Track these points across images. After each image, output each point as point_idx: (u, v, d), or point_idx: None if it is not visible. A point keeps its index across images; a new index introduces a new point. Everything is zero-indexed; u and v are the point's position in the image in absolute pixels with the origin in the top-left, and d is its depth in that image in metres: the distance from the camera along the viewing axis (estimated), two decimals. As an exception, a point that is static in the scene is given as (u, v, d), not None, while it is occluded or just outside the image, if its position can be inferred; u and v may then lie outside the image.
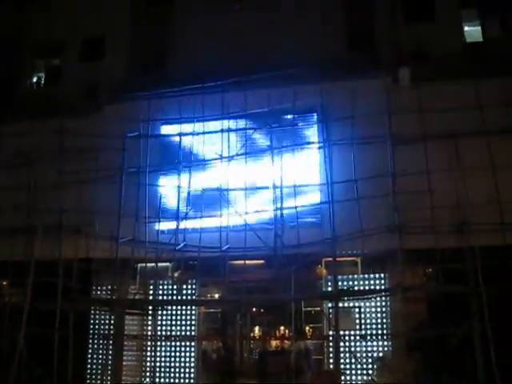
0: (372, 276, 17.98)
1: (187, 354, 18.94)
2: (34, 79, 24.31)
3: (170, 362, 18.90)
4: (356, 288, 17.61)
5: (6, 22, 24.52)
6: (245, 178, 17.88)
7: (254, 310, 20.99)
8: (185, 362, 18.85)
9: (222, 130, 18.32)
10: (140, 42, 23.00)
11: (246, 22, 21.14)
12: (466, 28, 20.24)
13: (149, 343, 19.30)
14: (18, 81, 23.98)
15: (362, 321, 17.74)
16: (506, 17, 20.46)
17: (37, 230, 16.11)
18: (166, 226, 18.47)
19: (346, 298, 17.05)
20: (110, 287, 17.98)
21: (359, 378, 17.38)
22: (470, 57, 18.42)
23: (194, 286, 19.12)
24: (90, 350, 19.34)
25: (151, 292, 18.37)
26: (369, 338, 17.63)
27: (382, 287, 17.77)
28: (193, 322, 19.26)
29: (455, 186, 14.92)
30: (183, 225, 17.79)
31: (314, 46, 20.16)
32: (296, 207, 17.18)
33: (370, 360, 17.32)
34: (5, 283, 19.44)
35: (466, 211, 14.83)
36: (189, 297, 19.09)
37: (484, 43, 19.94)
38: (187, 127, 18.75)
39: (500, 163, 14.40)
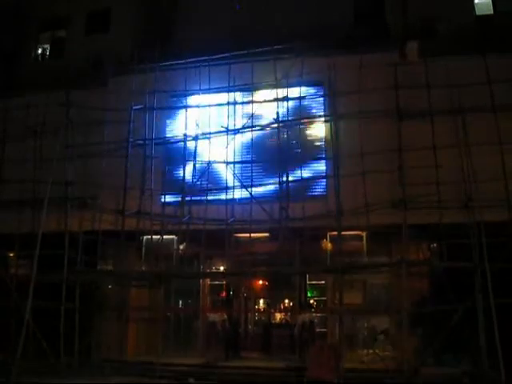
0: (376, 250, 17.97)
1: (192, 326, 19.08)
2: (39, 52, 24.17)
3: (176, 333, 19.06)
4: (360, 262, 17.59)
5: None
6: (251, 150, 17.85)
7: (260, 282, 21.07)
8: (190, 334, 18.99)
9: (228, 103, 18.25)
10: (145, 16, 22.84)
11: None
12: (476, 1, 19.89)
13: (154, 315, 19.42)
14: (23, 54, 23.88)
15: (366, 294, 17.78)
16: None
17: (43, 203, 16.13)
18: (171, 198, 18.54)
19: (350, 272, 17.05)
20: (115, 259, 18.07)
21: (362, 350, 17.51)
22: (480, 31, 18.15)
23: (199, 259, 19.16)
24: (96, 322, 19.50)
25: (157, 264, 18.45)
26: (372, 311, 17.69)
27: (387, 262, 17.75)
28: (198, 295, 19.35)
29: (461, 162, 14.87)
30: (189, 197, 17.77)
31: (322, 17, 19.93)
32: (302, 180, 17.20)
33: (372, 333, 17.41)
34: (11, 255, 19.57)
35: (472, 187, 14.80)
36: (194, 269, 19.14)
37: (494, 16, 19.60)
38: (193, 99, 18.69)
39: (507, 140, 14.31)
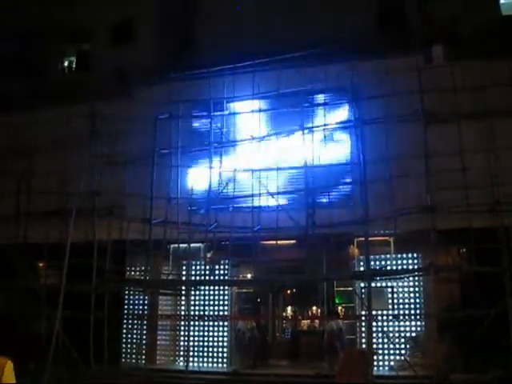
0: (405, 256, 17.85)
1: (220, 334, 19.12)
2: (66, 64, 24.52)
3: (203, 341, 19.11)
4: (388, 268, 17.47)
5: (37, 7, 24.67)
6: (276, 158, 17.83)
7: (289, 292, 21.01)
8: (218, 342, 19.04)
9: (252, 111, 18.25)
10: (168, 24, 23.03)
11: (274, 4, 20.97)
12: (501, 0, 19.71)
13: (182, 323, 19.51)
14: (49, 66, 24.23)
15: (395, 301, 17.67)
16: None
17: (71, 213, 16.30)
18: (197, 206, 18.56)
19: (378, 278, 16.94)
20: (143, 268, 18.17)
21: (392, 357, 17.38)
22: (506, 31, 17.94)
23: (226, 267, 19.21)
24: (124, 330, 19.67)
25: (184, 272, 18.52)
26: (401, 318, 17.57)
27: (415, 267, 17.62)
28: (225, 302, 19.39)
29: (489, 166, 14.70)
30: (215, 205, 17.81)
31: (345, 21, 19.92)
32: (328, 187, 17.13)
33: (402, 340, 17.28)
34: (41, 265, 19.82)
35: (500, 191, 14.62)
36: (221, 277, 19.18)
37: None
38: (217, 108, 18.73)
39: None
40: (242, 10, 21.40)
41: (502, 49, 15.55)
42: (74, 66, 24.51)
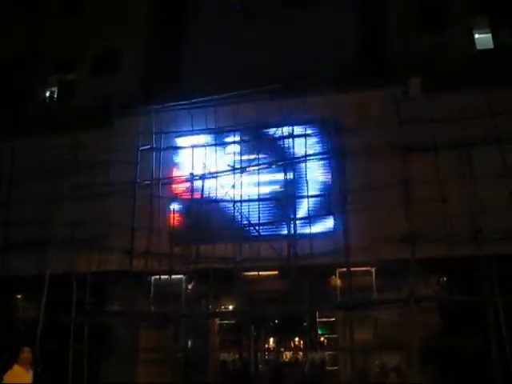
0: (386, 286, 17.83)
1: (201, 366, 18.88)
2: (48, 94, 24.50)
3: (186, 374, 18.84)
4: (370, 298, 17.45)
5: (22, 37, 24.74)
6: (258, 189, 17.89)
7: (272, 323, 20.84)
8: (200, 375, 18.78)
9: (234, 142, 18.37)
10: (154, 55, 23.19)
11: (257, 35, 21.26)
12: (476, 36, 20.14)
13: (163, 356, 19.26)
14: (32, 96, 24.18)
15: (377, 331, 17.59)
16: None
17: (51, 244, 16.17)
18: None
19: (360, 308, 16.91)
20: (124, 300, 17.98)
21: (374, 388, 17.27)
22: (481, 64, 18.30)
23: (207, 298, 19.04)
24: (104, 363, 19.35)
25: (165, 304, 18.35)
26: (384, 348, 17.49)
27: (396, 297, 17.60)
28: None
29: (468, 195, 14.86)
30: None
31: (324, 53, 20.15)
32: (309, 218, 17.18)
33: (384, 371, 17.18)
34: (19, 297, 19.54)
35: (480, 220, 14.75)
36: (203, 309, 19.02)
37: (495, 50, 19.80)
38: (200, 139, 18.82)
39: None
40: (226, 44, 21.64)
41: (478, 81, 15.84)
42: (56, 95, 24.42)
